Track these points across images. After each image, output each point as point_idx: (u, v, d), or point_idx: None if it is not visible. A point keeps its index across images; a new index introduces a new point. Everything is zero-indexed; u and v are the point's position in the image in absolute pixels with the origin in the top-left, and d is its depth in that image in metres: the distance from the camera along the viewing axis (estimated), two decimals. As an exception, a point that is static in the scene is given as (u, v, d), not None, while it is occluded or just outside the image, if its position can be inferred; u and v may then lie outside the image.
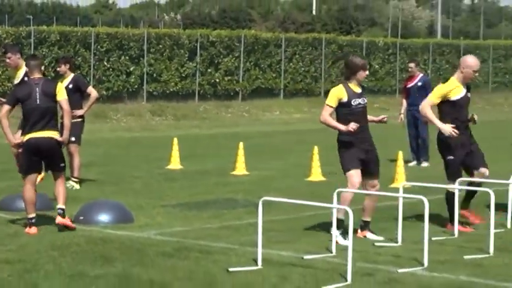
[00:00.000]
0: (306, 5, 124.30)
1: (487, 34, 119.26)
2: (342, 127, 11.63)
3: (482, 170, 12.52)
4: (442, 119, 12.29)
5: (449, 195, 12.16)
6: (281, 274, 9.59)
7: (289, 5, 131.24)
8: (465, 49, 56.94)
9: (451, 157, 12.32)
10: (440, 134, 12.36)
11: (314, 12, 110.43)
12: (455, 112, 12.31)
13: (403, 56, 53.72)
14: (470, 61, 12.54)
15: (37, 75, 12.43)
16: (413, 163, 20.59)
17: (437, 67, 55.53)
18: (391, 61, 53.42)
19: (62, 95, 12.42)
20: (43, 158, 12.32)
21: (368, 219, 11.91)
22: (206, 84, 43.84)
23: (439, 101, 12.33)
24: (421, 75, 21.09)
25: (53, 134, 12.26)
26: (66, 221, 12.13)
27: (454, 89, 12.34)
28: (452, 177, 12.31)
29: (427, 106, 12.35)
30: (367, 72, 11.92)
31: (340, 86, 11.89)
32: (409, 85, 20.85)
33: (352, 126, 11.49)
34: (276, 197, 11.65)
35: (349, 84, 11.88)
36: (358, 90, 11.91)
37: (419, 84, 20.58)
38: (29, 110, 12.19)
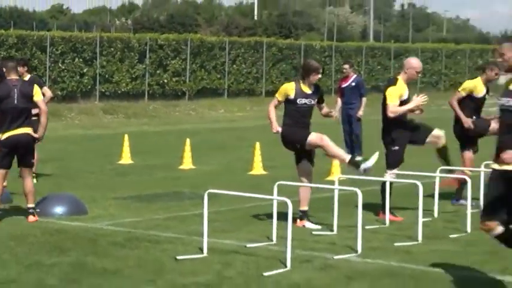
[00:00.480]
0: (248, 10, 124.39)
1: (415, 38, 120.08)
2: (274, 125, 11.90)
3: (436, 131, 12.71)
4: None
5: (384, 186, 12.25)
6: (225, 261, 9.59)
7: (232, 10, 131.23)
8: (395, 52, 57.50)
9: (396, 147, 12.42)
10: (386, 127, 12.55)
11: (256, 18, 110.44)
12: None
13: (338, 58, 54.02)
14: (413, 62, 12.68)
15: (14, 76, 12.36)
16: None
17: (369, 68, 55.93)
18: (327, 63, 53.60)
19: (38, 96, 12.47)
20: (18, 154, 12.25)
21: (305, 208, 11.95)
22: (155, 85, 43.76)
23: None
24: (355, 75, 21.17)
25: (29, 131, 12.22)
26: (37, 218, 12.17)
27: (402, 88, 12.48)
28: (392, 166, 12.43)
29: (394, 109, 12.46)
30: (319, 76, 11.97)
31: (292, 83, 12.01)
32: (344, 85, 20.90)
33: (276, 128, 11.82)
34: (221, 190, 11.65)
35: (301, 84, 11.94)
36: (308, 91, 11.95)
37: (353, 84, 20.66)
38: (8, 109, 12.14)
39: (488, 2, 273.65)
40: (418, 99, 12.43)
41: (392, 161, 12.47)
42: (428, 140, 12.72)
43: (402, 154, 12.52)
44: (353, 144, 20.64)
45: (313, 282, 8.65)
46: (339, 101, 20.92)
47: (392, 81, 12.63)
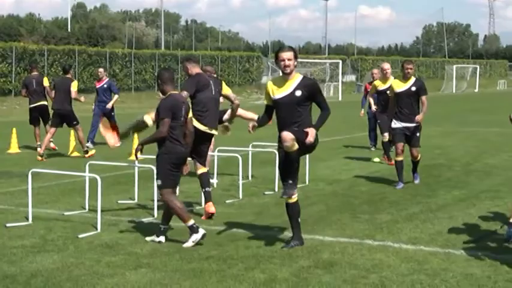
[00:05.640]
0: (63, 24, 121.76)
1: (197, 47, 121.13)
2: None
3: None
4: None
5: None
6: (47, 227, 9.37)
7: (50, 24, 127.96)
8: (182, 58, 57.63)
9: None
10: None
11: (69, 30, 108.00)
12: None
13: (137, 62, 53.87)
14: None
15: None
16: None
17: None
18: (127, 66, 53.40)
19: None
20: None
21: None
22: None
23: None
24: (107, 79, 20.47)
25: None
26: None
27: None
28: None
29: None
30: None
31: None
32: (98, 86, 20.48)
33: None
34: (43, 169, 11.34)
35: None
36: None
37: (105, 86, 20.19)
38: None
39: (253, 19, 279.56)
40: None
41: None
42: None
43: None
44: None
45: (119, 242, 8.60)
46: (115, 96, 20.33)
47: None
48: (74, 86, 17.96)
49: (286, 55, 8.18)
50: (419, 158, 13.19)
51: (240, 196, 11.63)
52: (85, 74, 49.37)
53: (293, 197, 8.26)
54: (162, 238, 8.60)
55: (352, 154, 18.09)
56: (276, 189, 12.34)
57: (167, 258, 7.78)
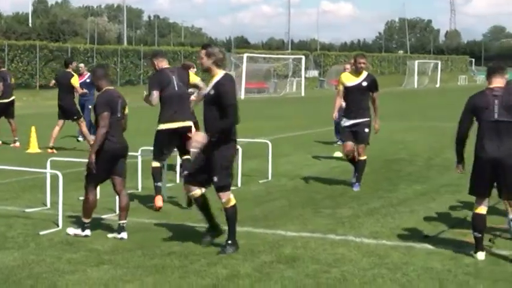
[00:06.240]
0: (23, 19, 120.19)
1: (160, 42, 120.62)
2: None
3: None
4: None
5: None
6: (8, 224, 9.28)
7: (10, 19, 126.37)
8: (144, 53, 57.33)
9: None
10: None
11: (30, 25, 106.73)
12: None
13: (99, 58, 53.54)
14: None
15: None
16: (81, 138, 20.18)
17: (124, 66, 55.61)
18: (89, 62, 53.00)
19: None
20: None
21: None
22: None
23: None
24: (88, 74, 20.18)
25: None
26: None
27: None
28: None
29: None
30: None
31: None
32: (80, 81, 20.18)
33: None
34: (3, 166, 11.23)
35: None
36: None
37: (88, 81, 20.02)
38: None
39: (216, 14, 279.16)
40: None
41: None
42: None
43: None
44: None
45: (80, 238, 8.54)
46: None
47: None
48: (74, 81, 17.84)
49: (201, 53, 8.07)
50: (364, 157, 12.26)
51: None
52: (46, 70, 48.88)
53: (230, 200, 7.91)
54: (123, 234, 8.57)
55: (315, 149, 18.15)
56: (239, 185, 12.34)
57: (129, 255, 7.75)
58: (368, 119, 12.15)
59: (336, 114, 13.16)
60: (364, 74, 12.18)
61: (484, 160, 7.63)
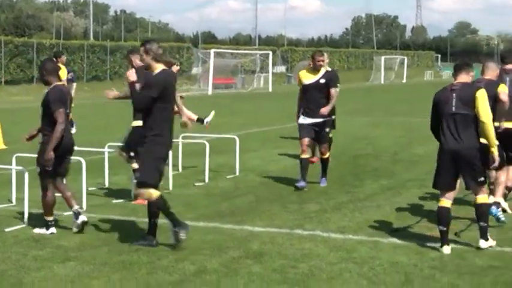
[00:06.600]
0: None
1: (127, 37, 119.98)
2: None
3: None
4: None
5: None
6: (-28, 221, 9.17)
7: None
8: (111, 48, 56.98)
9: None
10: None
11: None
12: None
13: (65, 53, 52.76)
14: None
15: None
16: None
17: (90, 62, 55.22)
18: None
19: None
20: None
21: None
22: None
23: None
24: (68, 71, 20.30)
25: None
26: None
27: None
28: None
29: None
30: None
31: None
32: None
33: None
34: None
35: None
36: None
37: (69, 77, 19.98)
38: None
39: (183, 9, 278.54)
40: None
41: None
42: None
43: None
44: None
45: (44, 236, 8.48)
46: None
47: None
48: (62, 74, 17.67)
49: (140, 50, 8.11)
50: (327, 155, 12.19)
51: (170, 187, 11.58)
52: (11, 65, 48.33)
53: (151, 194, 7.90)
54: (53, 229, 8.60)
55: (282, 144, 18.19)
56: (207, 180, 12.33)
57: (95, 251, 7.71)
58: (327, 118, 11.85)
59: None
60: (323, 71, 11.83)
61: (446, 152, 7.85)
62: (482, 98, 7.81)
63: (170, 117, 8.02)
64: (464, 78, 8.03)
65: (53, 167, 8.57)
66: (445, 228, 7.83)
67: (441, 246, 7.82)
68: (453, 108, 7.82)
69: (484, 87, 8.11)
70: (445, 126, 7.87)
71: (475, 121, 7.81)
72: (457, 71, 8.09)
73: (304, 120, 11.82)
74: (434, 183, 8.04)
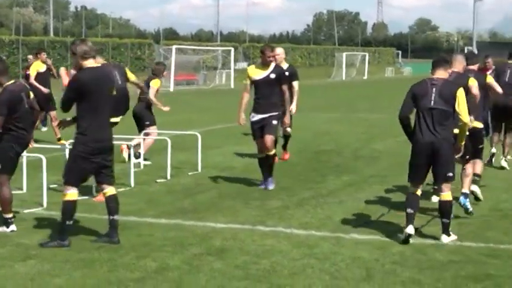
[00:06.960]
0: None
1: (88, 34, 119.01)
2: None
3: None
4: None
5: None
6: None
7: None
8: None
9: None
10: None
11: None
12: None
13: (25, 49, 52.53)
14: None
15: None
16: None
17: (50, 58, 54.72)
18: (15, 54, 52.01)
19: None
20: None
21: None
22: None
23: None
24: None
25: None
26: None
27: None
28: None
29: None
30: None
31: None
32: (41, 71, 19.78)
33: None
34: None
35: None
36: None
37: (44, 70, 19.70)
38: None
39: (144, 5, 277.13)
40: None
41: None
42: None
43: None
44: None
45: (5, 234, 8.37)
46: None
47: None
48: (31, 70, 17.85)
49: None
50: (273, 151, 11.44)
51: (132, 184, 11.51)
52: (-30, 62, 47.89)
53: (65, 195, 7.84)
54: (13, 227, 8.50)
55: (245, 141, 18.17)
56: (168, 177, 12.29)
57: (56, 249, 7.63)
58: (277, 113, 11.25)
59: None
60: (272, 65, 11.29)
61: (421, 144, 8.01)
62: (463, 97, 8.06)
63: (99, 114, 7.73)
64: (442, 74, 8.24)
65: (13, 164, 8.46)
66: (412, 211, 8.03)
67: (406, 227, 7.96)
68: (432, 103, 7.99)
69: (453, 80, 8.34)
70: (421, 120, 8.04)
71: (451, 116, 8.01)
72: (435, 67, 8.27)
73: (254, 117, 11.32)
74: (409, 178, 8.20)
